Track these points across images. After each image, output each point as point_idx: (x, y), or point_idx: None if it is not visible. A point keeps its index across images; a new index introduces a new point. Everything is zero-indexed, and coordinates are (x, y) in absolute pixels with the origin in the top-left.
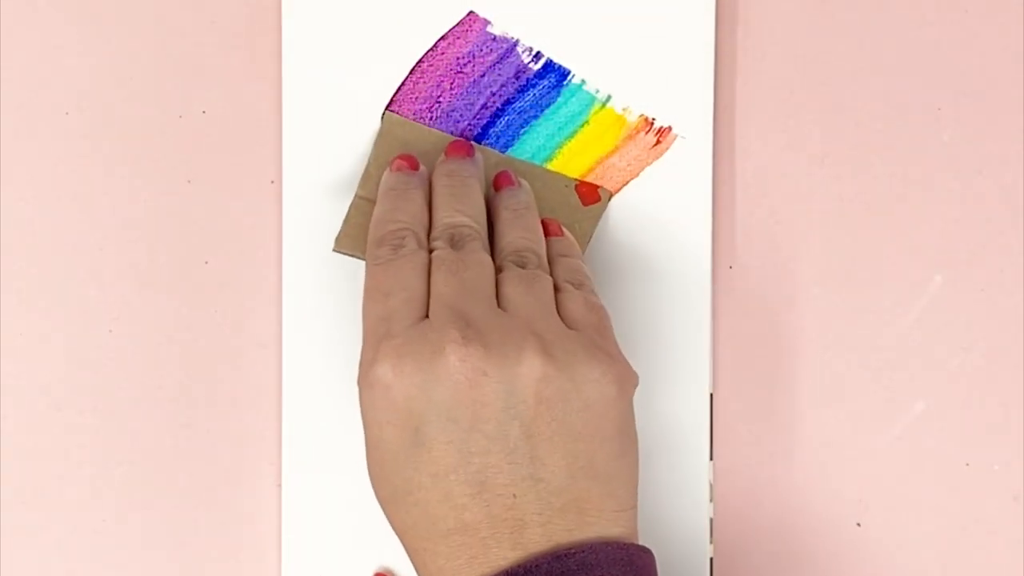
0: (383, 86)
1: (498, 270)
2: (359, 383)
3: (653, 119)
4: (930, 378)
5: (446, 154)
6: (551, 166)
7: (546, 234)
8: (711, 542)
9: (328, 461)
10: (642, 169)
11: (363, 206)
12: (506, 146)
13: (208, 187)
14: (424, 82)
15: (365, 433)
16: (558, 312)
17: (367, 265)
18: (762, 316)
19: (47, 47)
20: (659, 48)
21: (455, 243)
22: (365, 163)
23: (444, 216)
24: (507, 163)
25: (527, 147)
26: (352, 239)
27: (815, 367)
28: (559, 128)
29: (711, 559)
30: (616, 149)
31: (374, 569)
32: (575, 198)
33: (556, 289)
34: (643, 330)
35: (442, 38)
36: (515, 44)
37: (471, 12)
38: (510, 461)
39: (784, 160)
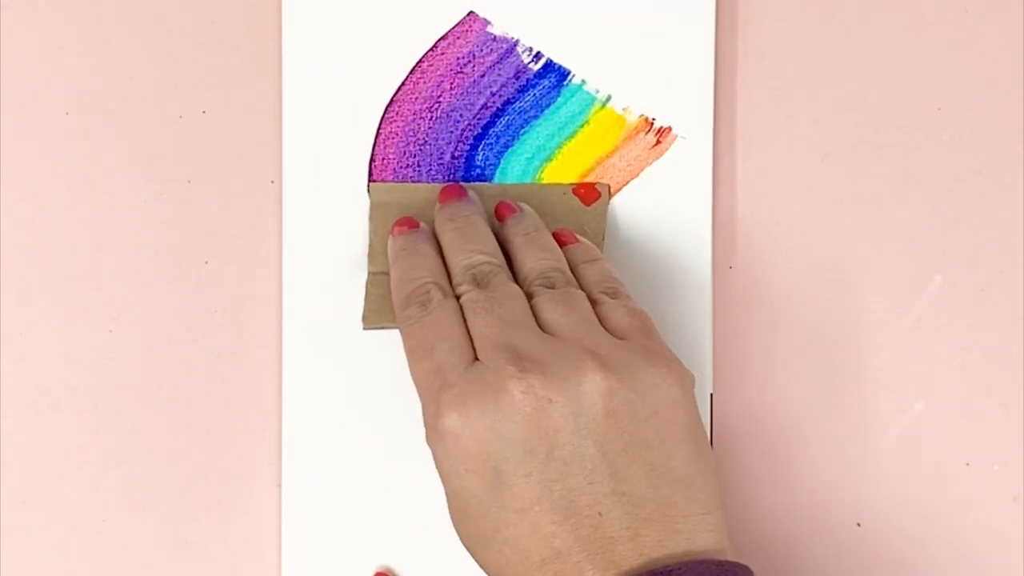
0: (383, 86)
1: (528, 296)
2: (428, 440)
3: (653, 119)
4: (930, 378)
5: (440, 201)
6: (551, 166)
7: (561, 245)
8: None
9: (328, 461)
10: (642, 169)
11: (378, 280)
12: (506, 146)
13: (208, 187)
14: (424, 82)
15: (444, 485)
16: (601, 323)
17: (401, 328)
18: (762, 316)
19: (47, 47)
20: (659, 48)
21: (480, 282)
22: (367, 241)
23: (460, 259)
24: (501, 192)
25: (527, 147)
26: (377, 312)
27: (815, 367)
28: (559, 128)
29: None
30: (616, 149)
31: (374, 569)
32: (576, 202)
33: (592, 302)
34: None
35: (442, 38)
36: (515, 44)
37: (471, 12)
38: (590, 481)
39: (784, 160)
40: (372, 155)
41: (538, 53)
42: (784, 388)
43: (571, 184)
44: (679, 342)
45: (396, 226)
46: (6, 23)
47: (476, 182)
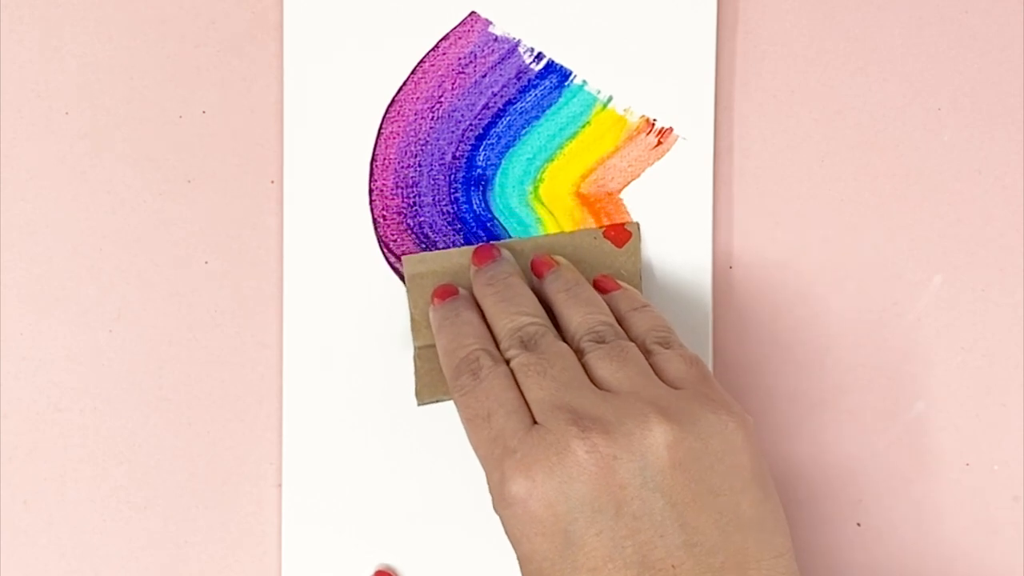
0: (384, 85)
1: (579, 353)
2: (496, 508)
3: (654, 120)
4: (930, 378)
5: (475, 264)
6: (552, 167)
7: (603, 292)
8: None
9: (328, 461)
10: (643, 170)
11: (425, 354)
12: (507, 146)
13: (208, 187)
14: (426, 82)
15: (516, 550)
16: (657, 375)
17: (456, 399)
18: (762, 316)
19: (47, 47)
20: (660, 49)
21: (528, 344)
22: (408, 316)
23: (505, 323)
24: (532, 244)
25: (528, 148)
26: (430, 387)
27: (815, 367)
28: (560, 129)
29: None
30: (617, 150)
31: (374, 568)
32: (608, 245)
33: (645, 352)
34: None
35: (444, 38)
36: (517, 44)
37: (473, 12)
38: (661, 534)
39: (784, 160)
40: (373, 155)
41: (540, 54)
42: (784, 388)
43: (600, 228)
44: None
45: (435, 296)
46: (6, 23)
47: (505, 239)
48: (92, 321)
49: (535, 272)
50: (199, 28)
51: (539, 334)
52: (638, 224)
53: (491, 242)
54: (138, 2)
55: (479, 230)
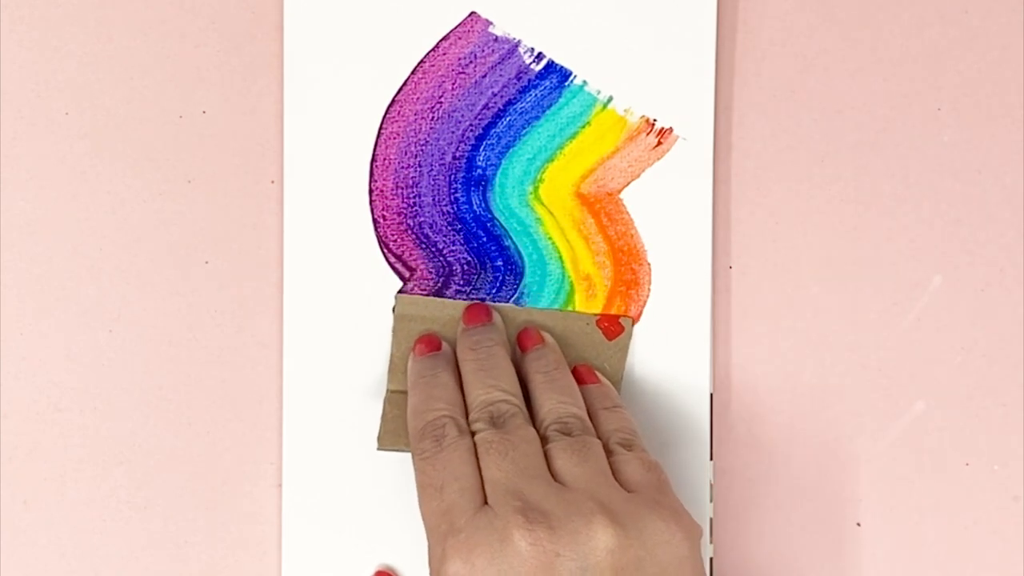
0: (385, 86)
1: (544, 440)
2: None
3: (654, 120)
4: (930, 378)
5: (464, 322)
6: (552, 167)
7: (580, 382)
8: (711, 542)
9: (329, 461)
10: (643, 170)
11: (396, 399)
12: (507, 147)
13: (208, 187)
14: (426, 82)
15: None
16: (614, 475)
17: (414, 460)
18: (762, 316)
19: (47, 47)
20: (660, 50)
21: (496, 421)
22: (388, 355)
23: (479, 394)
24: (525, 315)
25: (528, 148)
26: (393, 435)
27: (815, 367)
28: (560, 129)
29: (711, 559)
30: (617, 150)
31: (374, 568)
32: (599, 335)
33: (607, 451)
34: (645, 332)
35: (444, 38)
36: (517, 45)
37: (473, 12)
38: None
39: (784, 160)
40: (373, 155)
41: (540, 54)
42: (783, 387)
43: (595, 315)
44: (680, 343)
45: (418, 344)
46: (6, 23)
47: (501, 303)
48: (92, 321)
49: (520, 345)
50: (199, 28)
51: (509, 413)
52: (632, 320)
53: (484, 303)
54: (138, 2)
55: (479, 230)
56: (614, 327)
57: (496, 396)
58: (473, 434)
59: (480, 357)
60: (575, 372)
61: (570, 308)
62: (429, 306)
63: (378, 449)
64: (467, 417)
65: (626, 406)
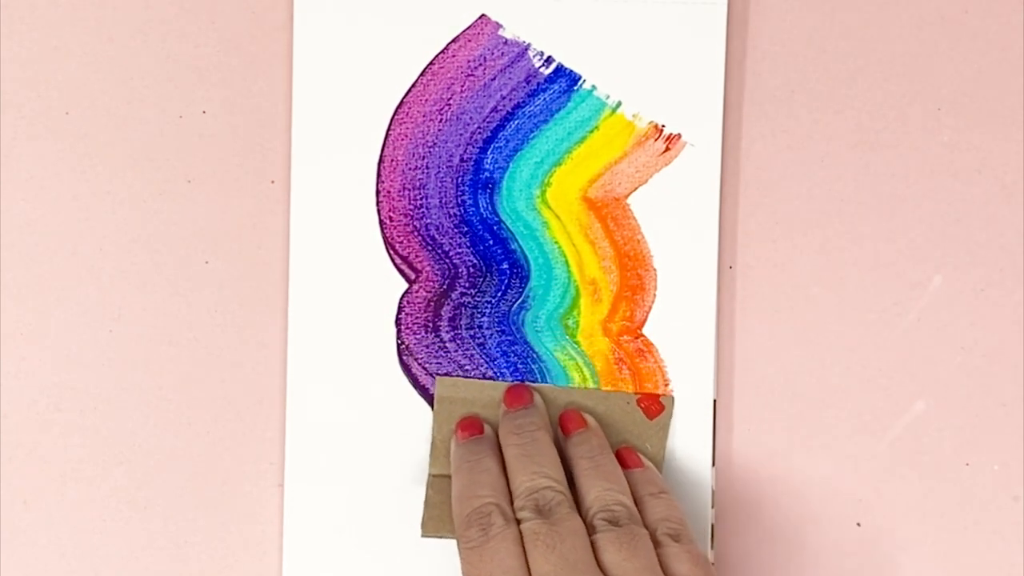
0: (393, 87)
1: (590, 529)
2: None
3: (663, 126)
4: (930, 378)
5: (506, 405)
6: (560, 171)
7: (624, 467)
8: (712, 548)
9: (330, 462)
10: (651, 176)
11: (439, 484)
12: (515, 150)
13: (208, 187)
14: (435, 84)
15: None
16: (663, 568)
17: (460, 549)
18: (762, 316)
19: (47, 47)
20: (670, 55)
21: (542, 510)
22: (430, 439)
23: (524, 481)
24: (566, 396)
25: (536, 152)
26: (437, 521)
27: (815, 367)
28: (568, 133)
29: (712, 563)
30: (625, 155)
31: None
32: (639, 414)
33: (655, 542)
34: (649, 336)
35: (453, 40)
36: (526, 48)
37: (483, 15)
38: None
39: (784, 160)
40: (381, 156)
41: (549, 58)
42: (783, 387)
43: (636, 394)
44: (683, 347)
45: (460, 429)
46: (6, 23)
47: (541, 383)
48: (92, 321)
49: (563, 428)
50: (199, 28)
51: (556, 501)
52: (673, 399)
53: (526, 384)
54: (138, 2)
55: (485, 233)
56: (655, 406)
57: (541, 483)
58: (519, 522)
59: (524, 442)
60: (619, 455)
61: (573, 321)
62: (470, 388)
63: (422, 536)
64: (512, 503)
65: (671, 490)
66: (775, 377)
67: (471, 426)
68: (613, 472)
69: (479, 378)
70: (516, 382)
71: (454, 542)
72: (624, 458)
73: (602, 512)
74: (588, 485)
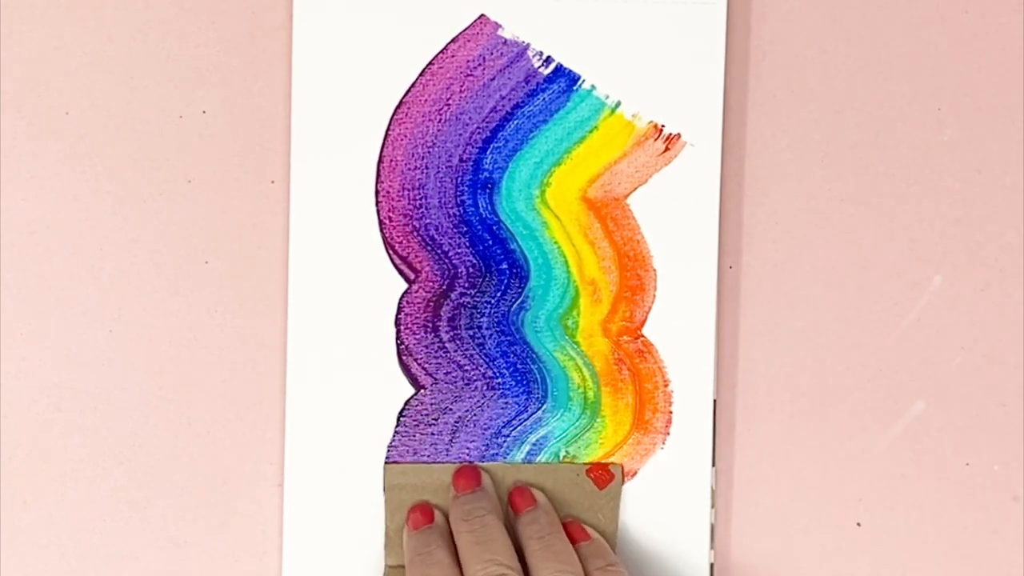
0: (393, 87)
1: None
2: None
3: (662, 126)
4: (930, 378)
5: (455, 489)
6: (560, 171)
7: (573, 541)
8: (711, 547)
9: (330, 462)
10: (650, 176)
11: (395, 575)
12: (515, 150)
13: (208, 187)
14: (434, 84)
15: None
16: None
17: None
18: (762, 316)
19: (47, 47)
20: (669, 55)
21: None
22: (383, 528)
23: (476, 568)
24: (514, 473)
25: (536, 152)
26: None
27: (815, 367)
28: (568, 133)
29: (711, 564)
30: (625, 155)
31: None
32: (589, 485)
33: None
34: (649, 337)
35: (453, 40)
36: (526, 48)
37: (482, 15)
38: None
39: (783, 160)
40: (380, 156)
41: (548, 58)
42: (784, 388)
43: (584, 464)
44: (682, 350)
45: (411, 516)
46: (6, 23)
47: (489, 461)
48: (92, 321)
49: (513, 506)
50: (199, 28)
51: None
52: (621, 467)
53: (474, 465)
54: (138, 2)
55: (485, 233)
56: (604, 476)
57: (494, 571)
58: None
59: (474, 528)
60: (566, 529)
61: (573, 322)
62: (418, 474)
63: None
64: None
65: (620, 561)
66: (775, 377)
67: (422, 513)
68: (563, 551)
69: (479, 379)
70: (464, 463)
71: None
72: (571, 532)
73: None
74: (540, 567)
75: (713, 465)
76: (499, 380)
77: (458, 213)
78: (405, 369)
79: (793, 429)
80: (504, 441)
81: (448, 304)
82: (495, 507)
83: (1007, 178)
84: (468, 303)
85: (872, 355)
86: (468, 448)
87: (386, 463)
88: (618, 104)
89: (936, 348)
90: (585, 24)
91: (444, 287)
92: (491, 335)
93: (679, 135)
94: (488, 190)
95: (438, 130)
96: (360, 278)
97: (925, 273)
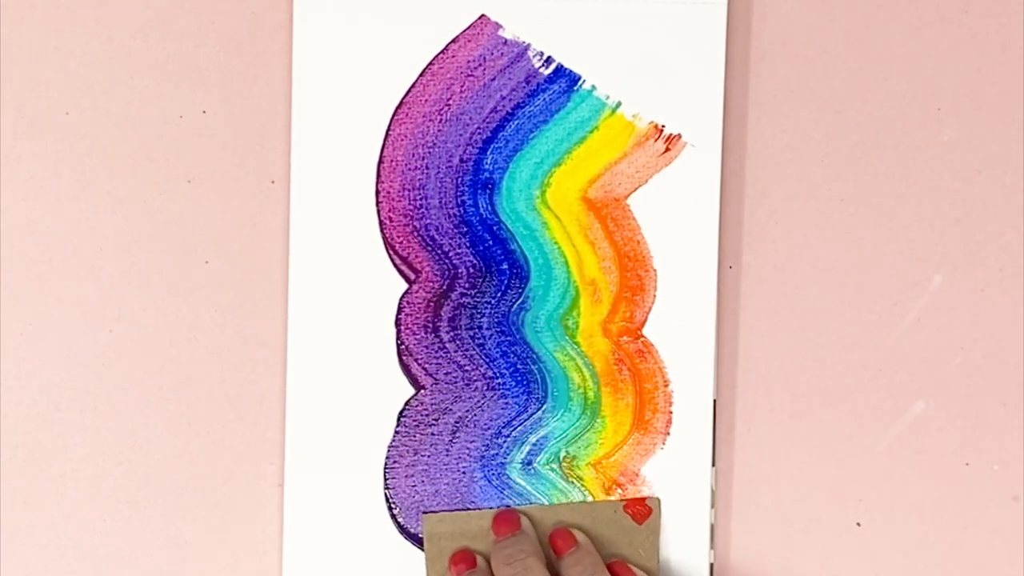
0: (393, 87)
1: None
2: None
3: (663, 126)
4: (930, 378)
5: (495, 533)
6: (560, 171)
7: None
8: (711, 547)
9: (330, 462)
10: (651, 176)
11: None
12: (515, 150)
13: (208, 187)
14: (434, 84)
15: None
16: None
17: None
18: (762, 316)
19: (47, 47)
20: (670, 56)
21: None
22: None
23: None
24: (553, 515)
25: (536, 152)
26: None
27: (815, 367)
28: (568, 133)
29: (711, 564)
30: (625, 156)
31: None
32: (628, 520)
33: None
34: (649, 337)
35: (453, 40)
36: (526, 48)
37: (483, 15)
38: None
39: (783, 160)
40: (381, 156)
41: (549, 58)
42: (783, 387)
43: (622, 500)
44: (682, 350)
45: (453, 564)
46: (6, 23)
47: (528, 505)
48: (92, 321)
49: (554, 549)
50: (199, 28)
51: None
52: (659, 500)
53: (512, 509)
54: (138, 2)
55: (485, 233)
56: (642, 511)
57: None
58: None
59: (517, 572)
60: (612, 570)
61: (573, 322)
62: (457, 521)
63: None
64: None
65: None
66: (775, 377)
67: (464, 558)
68: None
69: (479, 379)
70: (503, 508)
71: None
72: (617, 572)
73: None
74: None
75: (713, 465)
76: (499, 380)
77: (458, 213)
78: (405, 369)
79: (793, 429)
80: (504, 441)
81: (448, 304)
82: (536, 549)
83: (1007, 178)
84: (468, 303)
85: (872, 355)
86: (468, 448)
87: (423, 512)
88: (619, 104)
89: (936, 348)
90: (586, 24)
91: (444, 287)
92: (491, 335)
93: (679, 135)
94: (488, 190)
95: (438, 130)
96: (360, 278)
97: (925, 273)
